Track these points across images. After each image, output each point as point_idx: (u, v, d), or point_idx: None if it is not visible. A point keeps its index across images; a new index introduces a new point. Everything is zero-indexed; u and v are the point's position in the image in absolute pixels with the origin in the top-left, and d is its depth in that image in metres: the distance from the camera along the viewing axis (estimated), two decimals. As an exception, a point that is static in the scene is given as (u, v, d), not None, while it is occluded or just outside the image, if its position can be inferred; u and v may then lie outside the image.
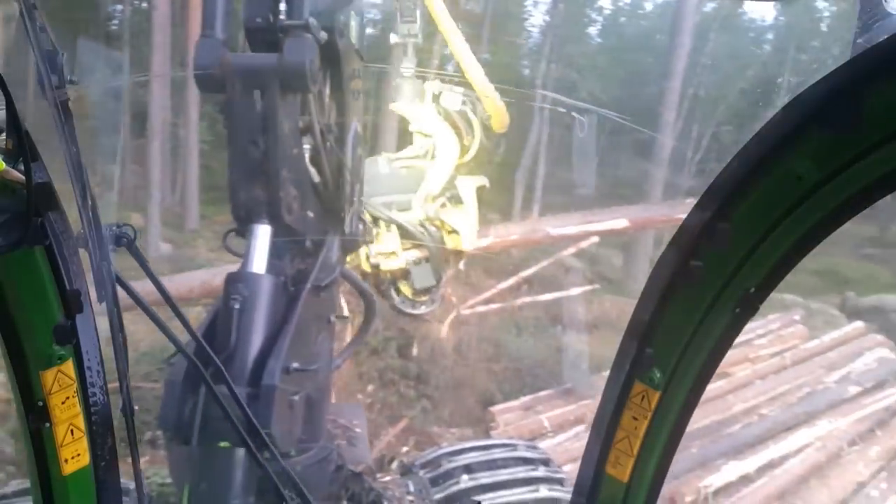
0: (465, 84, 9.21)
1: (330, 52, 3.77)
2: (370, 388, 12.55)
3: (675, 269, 1.79)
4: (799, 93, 1.50)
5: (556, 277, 15.41)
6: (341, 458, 4.47)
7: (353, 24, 4.01)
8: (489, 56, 25.41)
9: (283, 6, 3.47)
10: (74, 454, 1.91)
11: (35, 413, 1.83)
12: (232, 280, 3.53)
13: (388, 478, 5.28)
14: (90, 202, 2.00)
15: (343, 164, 4.07)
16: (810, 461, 12.16)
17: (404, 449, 11.26)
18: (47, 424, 1.84)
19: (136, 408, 2.19)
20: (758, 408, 13.84)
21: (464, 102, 9.27)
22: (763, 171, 1.59)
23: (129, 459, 2.23)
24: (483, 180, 9.86)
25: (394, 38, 9.36)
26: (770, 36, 35.62)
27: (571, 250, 9.48)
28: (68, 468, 1.92)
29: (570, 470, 9.14)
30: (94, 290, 1.99)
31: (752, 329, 16.20)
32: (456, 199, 9.52)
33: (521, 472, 5.92)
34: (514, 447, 6.46)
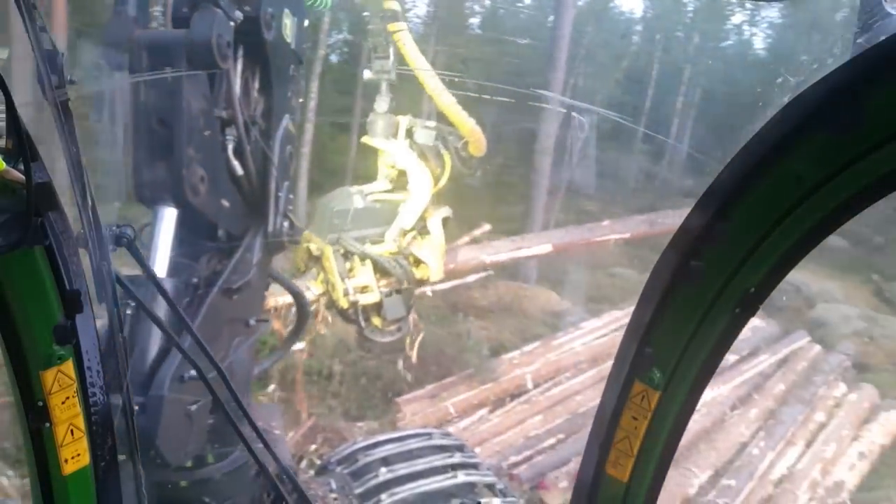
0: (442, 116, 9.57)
1: (255, 42, 3.69)
2: (271, 387, 12.52)
3: (675, 269, 1.79)
4: (799, 93, 1.50)
5: (450, 266, 15.42)
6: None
7: (288, 22, 3.92)
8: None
9: None
10: (74, 454, 1.91)
11: (35, 413, 1.83)
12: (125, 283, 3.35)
13: (305, 476, 5.22)
14: (90, 202, 2.00)
15: (269, 159, 3.94)
16: (698, 427, 12.81)
17: (312, 447, 11.28)
18: (47, 424, 1.84)
19: (135, 408, 2.19)
20: None
21: (436, 137, 9.63)
22: (763, 171, 1.59)
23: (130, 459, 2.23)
24: (448, 211, 10.22)
25: (367, 75, 9.75)
26: (639, 28, 37.40)
27: (465, 239, 9.90)
28: (68, 468, 1.91)
29: (479, 452, 9.41)
30: (95, 290, 1.99)
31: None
32: (423, 231, 9.87)
33: (437, 460, 5.96)
34: (428, 436, 6.49)
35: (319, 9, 6.37)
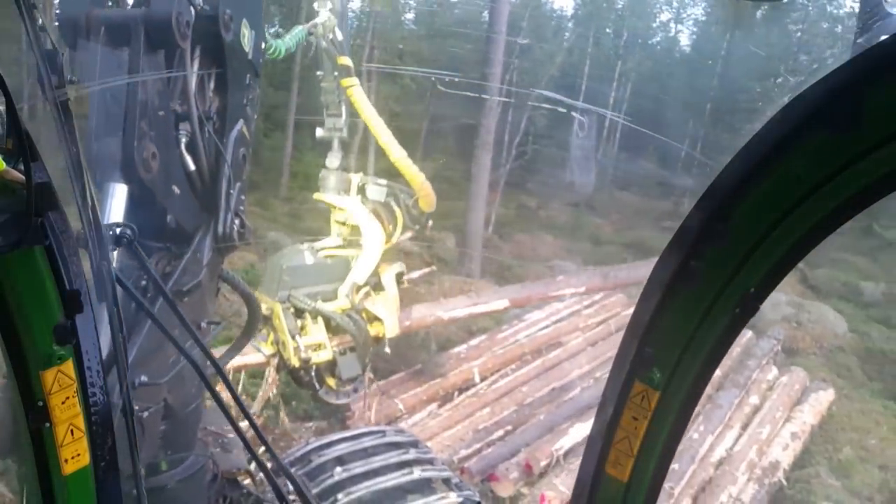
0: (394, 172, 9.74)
1: (213, 40, 3.70)
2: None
3: (675, 269, 1.79)
4: (799, 93, 1.50)
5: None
6: (217, 465, 4.33)
7: (246, 33, 3.93)
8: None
9: None
10: (74, 454, 1.91)
11: (35, 413, 1.83)
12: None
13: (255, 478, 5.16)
14: (90, 202, 2.00)
15: (221, 156, 3.90)
16: (643, 413, 13.05)
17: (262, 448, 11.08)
18: (47, 424, 1.84)
19: (136, 408, 2.19)
20: (592, 372, 14.80)
21: (388, 194, 9.80)
22: (763, 171, 1.59)
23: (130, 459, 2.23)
24: (401, 266, 10.36)
25: (319, 133, 9.91)
26: (570, 25, 38.67)
27: (408, 234, 10.15)
28: (68, 468, 1.92)
29: (432, 445, 9.48)
30: (94, 290, 1.99)
31: (580, 301, 17.68)
32: (377, 287, 9.94)
33: (392, 457, 5.92)
34: (382, 433, 6.44)
35: (272, 57, 6.48)
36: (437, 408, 13.15)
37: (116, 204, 3.30)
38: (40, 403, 1.82)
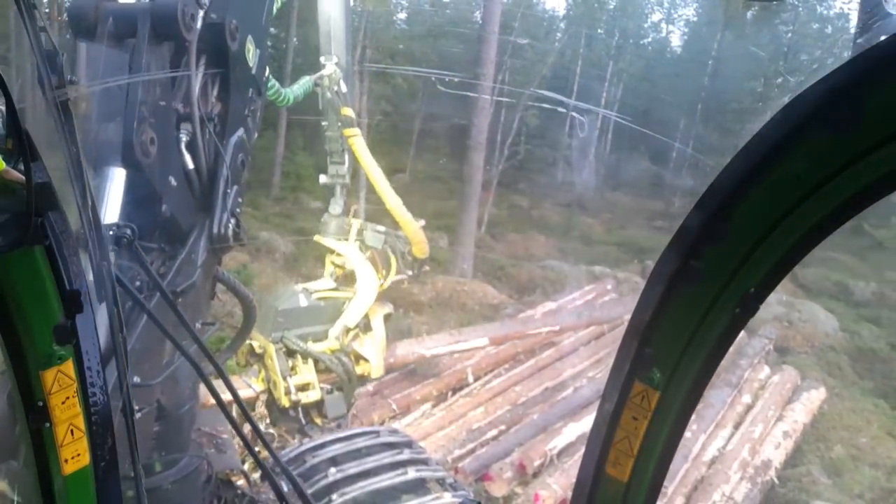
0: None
1: (219, 48, 3.75)
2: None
3: (675, 269, 1.79)
4: (799, 93, 1.51)
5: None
6: (211, 466, 4.32)
7: (251, 48, 4.00)
8: (297, 41, 26.69)
9: None
10: (74, 454, 1.91)
11: (35, 413, 1.82)
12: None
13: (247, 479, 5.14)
14: (90, 202, 1.99)
15: (220, 157, 3.92)
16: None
17: (256, 449, 11.01)
18: (47, 424, 1.83)
19: (136, 408, 2.18)
20: (585, 372, 14.89)
21: (385, 241, 10.22)
22: (763, 171, 1.59)
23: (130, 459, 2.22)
24: (389, 308, 10.74)
25: (323, 179, 10.33)
26: (563, 25, 38.89)
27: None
28: (68, 468, 1.91)
29: (426, 445, 9.56)
30: (95, 290, 1.99)
31: (572, 300, 18.04)
32: (365, 328, 10.30)
33: (386, 457, 5.90)
34: (376, 434, 6.43)
35: (280, 104, 6.68)
36: (430, 407, 13.20)
37: (114, 188, 3.33)
38: (40, 403, 1.82)
